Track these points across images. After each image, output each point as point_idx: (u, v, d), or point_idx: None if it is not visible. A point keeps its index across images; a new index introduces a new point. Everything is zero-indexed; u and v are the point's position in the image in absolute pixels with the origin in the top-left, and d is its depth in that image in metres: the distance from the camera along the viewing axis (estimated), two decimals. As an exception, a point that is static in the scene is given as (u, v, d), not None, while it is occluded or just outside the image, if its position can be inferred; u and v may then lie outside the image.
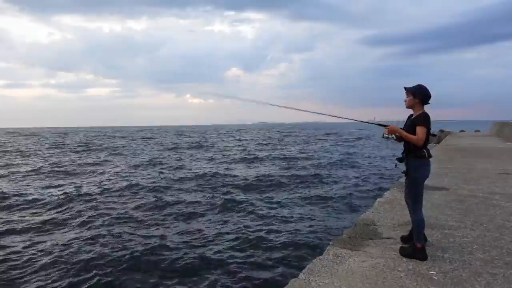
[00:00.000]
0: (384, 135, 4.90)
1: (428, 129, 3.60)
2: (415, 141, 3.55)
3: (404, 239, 4.07)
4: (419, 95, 3.68)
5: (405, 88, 3.76)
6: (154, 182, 14.61)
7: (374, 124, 3.95)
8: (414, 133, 3.58)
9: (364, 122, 4.52)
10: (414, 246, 3.69)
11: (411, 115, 3.82)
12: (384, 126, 3.80)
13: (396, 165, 3.90)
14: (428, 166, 3.71)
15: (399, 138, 3.75)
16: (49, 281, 5.84)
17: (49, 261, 6.57)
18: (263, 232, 7.93)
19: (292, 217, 9.15)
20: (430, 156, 3.67)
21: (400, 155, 3.83)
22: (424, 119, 3.59)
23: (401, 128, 3.72)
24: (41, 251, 7.14)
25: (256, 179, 15.14)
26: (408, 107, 3.81)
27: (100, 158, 25.89)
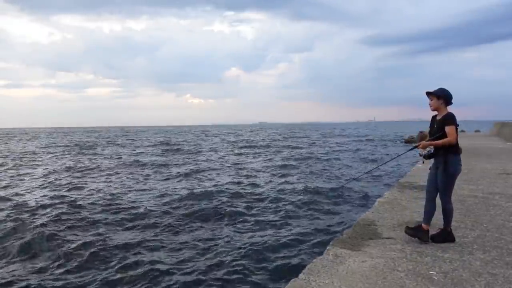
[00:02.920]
0: (421, 153, 4.86)
1: (456, 126, 3.90)
2: (450, 142, 3.83)
3: (408, 230, 4.15)
4: (442, 96, 3.95)
5: (428, 93, 4.02)
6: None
7: (410, 150, 4.24)
8: (444, 132, 3.85)
9: (402, 154, 5.08)
10: (446, 230, 4.10)
11: (435, 116, 4.08)
12: (415, 146, 4.05)
13: (423, 162, 4.21)
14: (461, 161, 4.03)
15: (435, 150, 3.92)
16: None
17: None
18: (262, 232, 7.92)
19: (291, 217, 9.14)
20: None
21: (426, 153, 4.04)
22: (451, 119, 3.89)
23: (429, 139, 3.99)
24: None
25: (253, 176, 15.12)
26: (434, 109, 4.06)
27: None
